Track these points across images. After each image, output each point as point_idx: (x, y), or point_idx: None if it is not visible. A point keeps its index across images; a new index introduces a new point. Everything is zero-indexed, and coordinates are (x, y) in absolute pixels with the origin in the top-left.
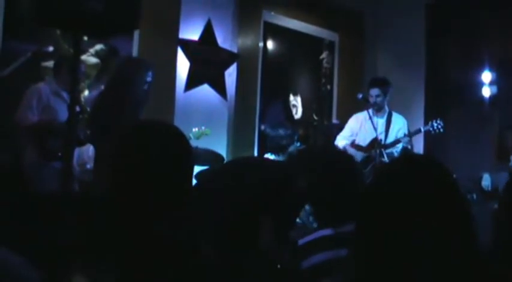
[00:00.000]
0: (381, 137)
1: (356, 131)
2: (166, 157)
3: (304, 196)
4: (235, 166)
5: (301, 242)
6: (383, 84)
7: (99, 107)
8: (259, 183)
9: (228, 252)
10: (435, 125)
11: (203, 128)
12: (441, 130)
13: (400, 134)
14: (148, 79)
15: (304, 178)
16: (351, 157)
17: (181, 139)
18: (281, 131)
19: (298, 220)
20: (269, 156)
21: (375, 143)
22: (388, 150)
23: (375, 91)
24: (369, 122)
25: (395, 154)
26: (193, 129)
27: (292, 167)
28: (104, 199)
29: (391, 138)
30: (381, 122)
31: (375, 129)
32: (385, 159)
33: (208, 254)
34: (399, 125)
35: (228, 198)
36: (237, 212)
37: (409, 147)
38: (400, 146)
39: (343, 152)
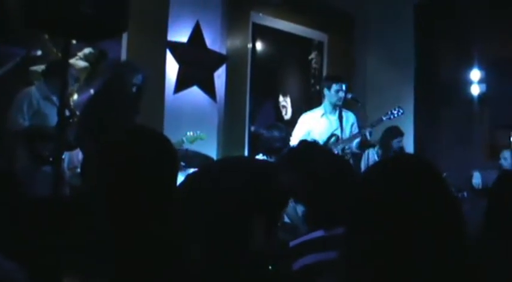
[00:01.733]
0: (337, 133)
1: (310, 129)
2: (154, 160)
3: (288, 193)
4: (222, 166)
5: (292, 243)
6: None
7: (88, 110)
8: (246, 183)
9: (218, 253)
10: (395, 112)
11: (198, 132)
12: (400, 113)
13: (354, 129)
14: (136, 82)
15: (288, 175)
16: (344, 159)
17: (167, 143)
18: (276, 133)
19: (288, 221)
20: (261, 157)
21: (331, 138)
22: (347, 146)
23: (345, 86)
24: (324, 119)
25: (354, 149)
26: (188, 133)
27: (282, 168)
28: (92, 202)
29: (346, 134)
30: (334, 118)
31: (332, 126)
32: (345, 154)
33: (199, 255)
34: (351, 121)
35: (216, 199)
36: (225, 212)
37: (368, 139)
38: (357, 140)
39: (336, 154)
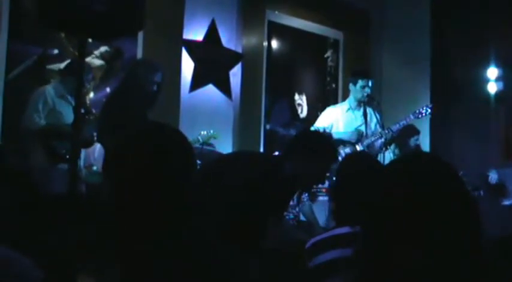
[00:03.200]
0: (361, 129)
1: (334, 122)
2: (171, 159)
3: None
4: (227, 164)
5: (316, 238)
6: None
7: (107, 108)
8: (252, 182)
9: (232, 251)
10: (423, 111)
11: (212, 131)
12: (428, 112)
13: (377, 127)
14: (157, 79)
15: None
16: (374, 159)
17: (184, 141)
18: (292, 131)
19: (304, 219)
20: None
21: (357, 134)
22: (369, 142)
23: (371, 82)
24: (348, 114)
25: (377, 148)
26: (202, 133)
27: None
28: (110, 201)
29: (370, 131)
30: (359, 114)
31: (357, 121)
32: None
33: (212, 254)
34: (376, 118)
35: (227, 197)
36: (237, 211)
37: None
38: (381, 140)
39: (367, 154)
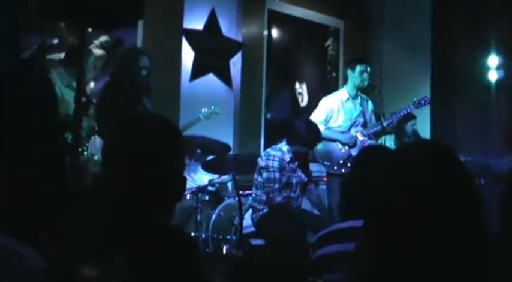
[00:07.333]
0: (360, 119)
1: (333, 113)
2: (158, 149)
3: None
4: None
5: (322, 232)
6: None
7: (103, 99)
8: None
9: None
10: (422, 102)
11: (212, 107)
12: (427, 102)
13: (372, 116)
14: (144, 64)
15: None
16: (386, 151)
17: (173, 131)
18: (301, 125)
19: (316, 212)
20: (283, 144)
21: (356, 124)
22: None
23: (370, 67)
24: (347, 103)
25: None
26: (203, 109)
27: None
28: (110, 190)
29: (367, 119)
30: (357, 102)
31: (356, 110)
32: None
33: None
34: (371, 106)
35: None
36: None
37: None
38: (377, 128)
39: (377, 146)
